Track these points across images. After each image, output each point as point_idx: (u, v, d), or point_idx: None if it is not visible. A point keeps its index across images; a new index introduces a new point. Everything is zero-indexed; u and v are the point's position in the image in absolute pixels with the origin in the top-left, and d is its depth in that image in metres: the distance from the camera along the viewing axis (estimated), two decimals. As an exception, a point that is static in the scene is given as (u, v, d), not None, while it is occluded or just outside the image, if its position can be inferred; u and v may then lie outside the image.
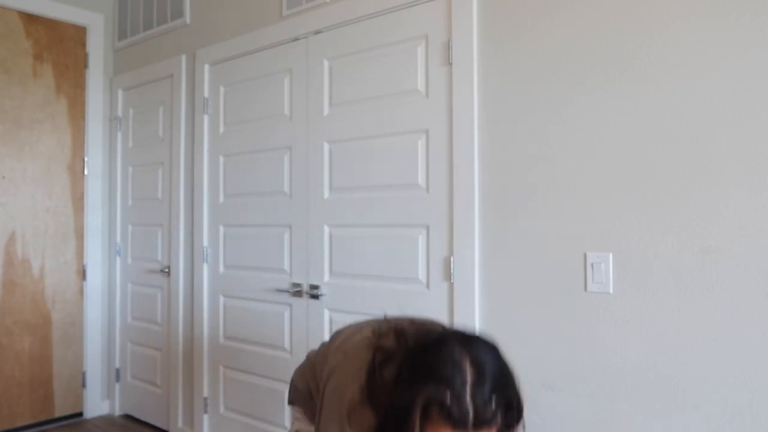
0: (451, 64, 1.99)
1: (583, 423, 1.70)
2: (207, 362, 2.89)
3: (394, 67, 2.15)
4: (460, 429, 0.95)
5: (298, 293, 2.47)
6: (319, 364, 1.37)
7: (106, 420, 3.41)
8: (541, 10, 1.80)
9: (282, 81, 2.57)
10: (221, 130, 2.86)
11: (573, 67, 1.73)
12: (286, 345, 2.53)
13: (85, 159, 3.43)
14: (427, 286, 2.04)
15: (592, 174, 1.69)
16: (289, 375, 2.52)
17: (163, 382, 3.18)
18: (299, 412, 1.51)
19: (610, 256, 1.65)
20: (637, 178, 1.61)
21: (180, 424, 3.05)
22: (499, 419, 0.99)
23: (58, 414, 3.31)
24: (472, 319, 1.92)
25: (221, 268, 2.84)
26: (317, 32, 2.43)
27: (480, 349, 1.04)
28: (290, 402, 1.54)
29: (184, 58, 3.05)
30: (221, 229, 2.85)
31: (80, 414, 3.41)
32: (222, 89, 2.85)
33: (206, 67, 2.92)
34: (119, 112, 3.48)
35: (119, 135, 3.48)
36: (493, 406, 0.98)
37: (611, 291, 1.65)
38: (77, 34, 3.41)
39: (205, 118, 2.92)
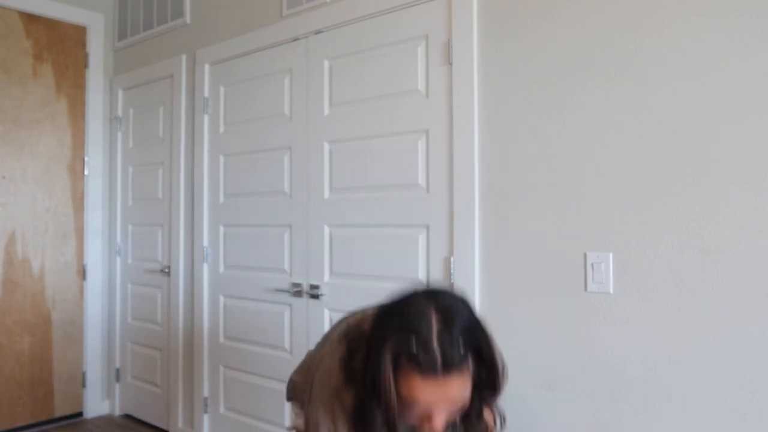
0: (451, 64, 1.99)
1: (583, 423, 1.70)
2: (207, 362, 2.89)
3: (394, 67, 2.15)
4: (429, 374, 0.94)
5: (298, 293, 2.47)
6: (317, 357, 1.36)
7: (106, 420, 3.41)
8: (541, 10, 1.80)
9: (282, 81, 2.57)
10: (221, 130, 2.86)
11: (573, 67, 1.73)
12: (286, 345, 2.53)
13: (85, 159, 3.43)
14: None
15: (592, 174, 1.69)
16: (289, 375, 2.52)
17: (163, 382, 3.18)
18: (298, 407, 1.52)
19: (610, 256, 1.65)
20: (637, 178, 1.61)
21: (180, 424, 3.05)
22: (469, 364, 0.97)
23: (58, 414, 3.31)
24: (472, 319, 1.92)
25: (221, 268, 2.84)
26: (317, 32, 2.43)
27: (447, 299, 1.01)
28: (289, 399, 1.55)
29: (184, 58, 3.05)
30: (221, 229, 2.85)
31: (80, 414, 3.41)
32: (222, 89, 2.85)
33: (206, 67, 2.92)
34: (119, 112, 3.48)
35: (119, 135, 3.48)
36: (461, 349, 0.95)
37: (611, 291, 1.65)
38: (77, 34, 3.41)
39: (205, 118, 2.92)
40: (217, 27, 2.89)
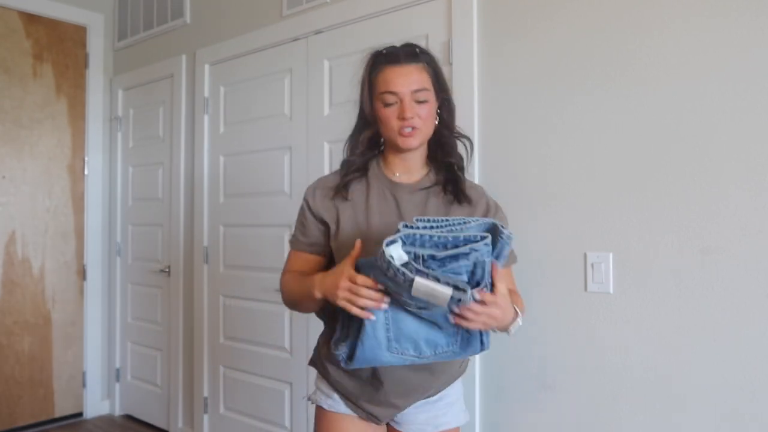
0: (451, 64, 1.99)
1: (583, 423, 1.70)
2: (207, 362, 2.89)
3: (394, 67, 2.15)
4: (394, 63, 1.24)
5: (298, 293, 2.46)
6: None
7: (106, 420, 3.41)
8: (541, 10, 1.80)
9: (282, 81, 2.57)
10: (221, 130, 2.86)
11: (573, 67, 1.73)
12: (286, 345, 2.53)
13: (85, 159, 3.43)
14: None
15: (592, 174, 1.69)
16: (289, 375, 2.52)
17: (163, 382, 3.18)
18: None
19: (610, 256, 1.65)
20: (637, 178, 1.61)
21: (180, 424, 3.05)
22: (426, 66, 1.26)
23: (58, 414, 3.31)
24: (472, 319, 1.91)
25: (221, 268, 2.84)
26: (317, 32, 2.43)
27: (408, 43, 1.31)
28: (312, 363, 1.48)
29: (184, 58, 3.05)
30: (221, 229, 2.84)
31: (80, 414, 3.40)
32: (222, 89, 2.85)
33: (206, 67, 2.92)
34: (119, 112, 3.48)
35: (119, 135, 3.48)
36: (419, 51, 1.27)
37: (611, 291, 1.65)
38: (77, 34, 3.41)
39: (205, 118, 2.92)
40: (217, 27, 2.89)
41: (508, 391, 1.85)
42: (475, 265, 1.00)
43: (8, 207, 3.15)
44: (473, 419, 1.90)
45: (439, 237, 1.01)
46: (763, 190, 1.42)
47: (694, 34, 1.53)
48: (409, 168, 1.32)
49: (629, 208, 1.62)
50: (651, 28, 1.59)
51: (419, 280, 0.97)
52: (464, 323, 1.05)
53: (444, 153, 1.32)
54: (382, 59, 1.27)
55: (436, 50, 2.04)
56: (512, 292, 1.24)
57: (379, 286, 1.06)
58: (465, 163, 1.36)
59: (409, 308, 1.08)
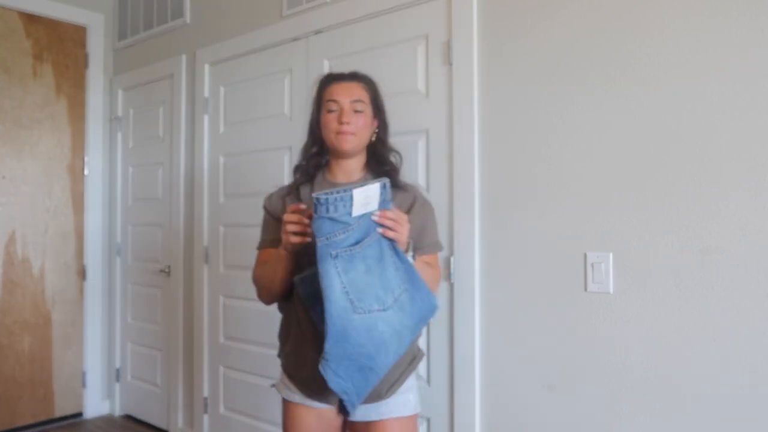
0: (451, 64, 1.99)
1: (583, 423, 1.70)
2: (207, 362, 2.89)
3: (395, 67, 2.15)
4: (339, 80, 1.49)
5: (298, 293, 2.46)
6: None
7: (106, 420, 3.41)
8: (541, 10, 1.80)
9: (282, 81, 2.57)
10: (221, 130, 2.86)
11: (573, 67, 1.73)
12: (286, 345, 2.53)
13: (85, 159, 3.43)
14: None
15: (592, 174, 1.69)
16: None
17: (163, 382, 3.18)
18: None
19: (610, 256, 1.65)
20: (637, 178, 1.61)
21: (180, 424, 3.05)
22: (368, 88, 1.50)
23: (58, 414, 3.31)
24: (472, 318, 1.92)
25: (221, 268, 2.84)
26: (317, 32, 2.43)
27: (358, 72, 1.55)
28: None
29: (184, 58, 3.05)
30: (221, 229, 2.84)
31: (80, 414, 3.41)
32: (222, 89, 2.85)
33: (206, 67, 2.92)
34: (119, 112, 3.48)
35: (119, 135, 3.48)
36: (361, 74, 1.53)
37: (611, 291, 1.65)
38: (77, 34, 3.41)
39: (205, 118, 2.92)
40: (217, 27, 2.89)
41: (508, 391, 1.85)
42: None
43: (8, 207, 3.15)
44: (473, 419, 1.90)
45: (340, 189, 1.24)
46: (763, 190, 1.42)
47: (694, 34, 1.53)
48: (349, 173, 1.53)
49: (629, 208, 1.62)
50: (651, 28, 1.59)
51: (356, 190, 1.21)
52: (388, 231, 1.27)
53: (378, 162, 1.53)
54: (330, 78, 1.53)
55: (436, 50, 2.06)
56: (429, 265, 1.50)
57: (303, 206, 1.31)
58: (398, 167, 1.57)
59: (347, 248, 1.25)
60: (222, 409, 2.83)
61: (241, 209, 2.74)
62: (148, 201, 3.29)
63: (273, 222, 1.56)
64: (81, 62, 3.43)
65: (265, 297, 1.55)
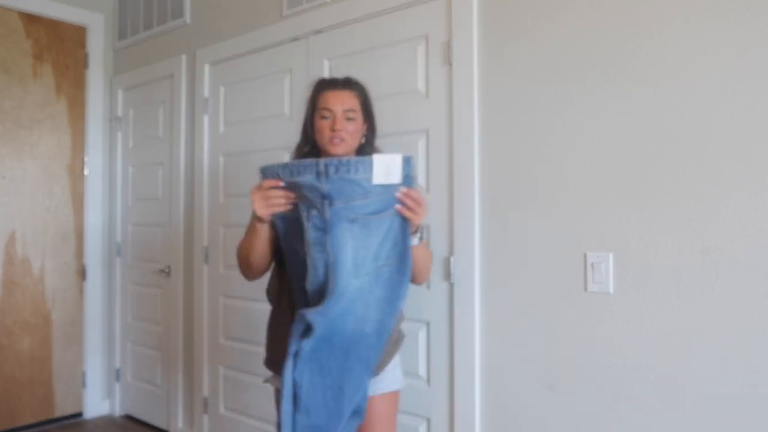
0: (451, 64, 1.99)
1: (583, 423, 1.70)
2: (207, 362, 2.89)
3: (395, 67, 2.15)
4: (332, 87, 1.58)
5: (298, 293, 2.46)
6: None
7: (106, 420, 3.41)
8: (541, 10, 1.80)
9: (282, 81, 2.57)
10: (221, 130, 2.86)
11: (573, 67, 1.73)
12: (286, 345, 2.53)
13: (85, 159, 3.43)
14: (428, 286, 2.04)
15: (592, 174, 1.69)
16: (289, 375, 2.52)
17: (163, 382, 3.18)
18: None
19: (610, 256, 1.65)
20: (637, 178, 1.61)
21: (180, 424, 3.05)
22: (358, 96, 1.59)
23: (58, 414, 3.31)
24: (472, 319, 1.92)
25: (221, 268, 2.84)
26: (317, 32, 2.43)
27: (351, 79, 1.63)
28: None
29: (184, 58, 3.05)
30: (221, 229, 2.84)
31: (80, 414, 3.41)
32: (222, 89, 2.85)
33: (206, 67, 2.92)
34: (119, 112, 3.48)
35: (119, 135, 3.48)
36: (353, 81, 1.62)
37: (611, 291, 1.65)
38: (77, 34, 3.41)
39: (205, 118, 2.92)
40: (217, 27, 2.89)
41: (508, 391, 1.85)
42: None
43: (8, 207, 3.15)
44: (473, 419, 1.90)
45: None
46: (763, 190, 1.42)
47: (694, 34, 1.53)
48: None
49: (629, 208, 1.62)
50: (651, 28, 1.59)
51: (376, 156, 1.28)
52: (406, 210, 1.35)
53: None
54: (324, 84, 1.62)
55: (436, 50, 2.06)
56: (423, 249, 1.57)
57: (282, 184, 1.39)
58: None
59: (366, 215, 1.33)
60: (222, 409, 2.83)
61: (241, 209, 2.74)
62: (148, 201, 3.29)
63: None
64: (81, 62, 3.43)
65: (247, 272, 1.68)
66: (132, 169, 3.41)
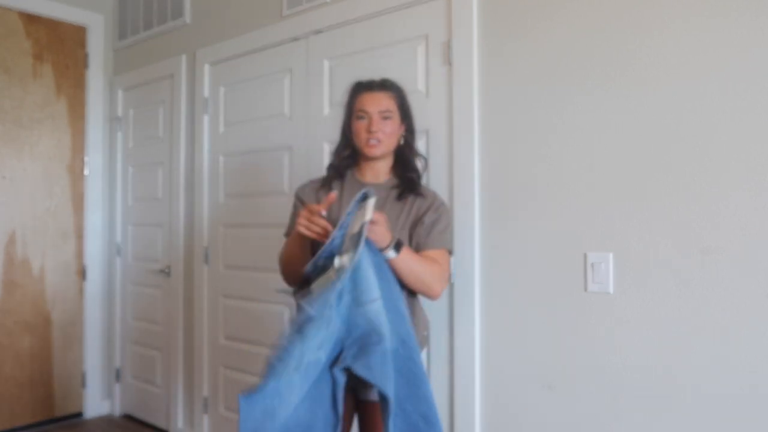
0: (451, 64, 1.99)
1: (583, 423, 1.70)
2: (207, 362, 2.89)
3: (394, 67, 2.15)
4: (370, 89, 1.61)
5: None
6: None
7: (106, 420, 3.41)
8: (541, 10, 1.80)
9: (282, 81, 2.57)
10: (221, 130, 2.86)
11: (573, 67, 1.73)
12: (286, 345, 2.52)
13: (85, 159, 3.43)
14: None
15: (592, 174, 1.69)
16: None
17: (163, 382, 3.18)
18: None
19: (610, 256, 1.65)
20: (637, 178, 1.61)
21: (180, 424, 3.05)
22: (395, 96, 1.63)
23: (58, 414, 3.31)
24: (472, 318, 1.92)
25: (221, 268, 2.84)
26: (317, 32, 2.43)
27: (387, 80, 1.68)
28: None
29: (184, 58, 3.05)
30: (221, 229, 2.84)
31: (80, 414, 3.41)
32: (222, 89, 2.85)
33: (206, 67, 2.92)
34: (119, 112, 3.48)
35: (119, 135, 3.48)
36: (389, 83, 1.64)
37: (611, 291, 1.65)
38: (77, 34, 3.41)
39: (205, 118, 2.92)
40: (217, 27, 2.89)
41: (508, 391, 1.85)
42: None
43: (8, 207, 3.15)
44: (473, 419, 1.90)
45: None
46: (763, 190, 1.42)
47: (694, 34, 1.53)
48: (377, 174, 1.68)
49: (629, 208, 1.62)
50: (651, 28, 1.59)
51: (368, 201, 1.38)
52: (372, 233, 1.39)
53: (405, 168, 1.67)
54: (360, 87, 1.65)
55: (436, 50, 2.06)
56: (430, 258, 1.58)
57: (324, 213, 1.43)
58: (421, 173, 1.72)
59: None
60: (222, 409, 2.83)
61: (241, 209, 2.74)
62: (148, 201, 3.29)
63: (302, 209, 1.65)
64: (81, 62, 3.43)
65: (286, 275, 1.69)
66: (132, 169, 3.41)
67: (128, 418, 3.42)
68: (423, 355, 1.64)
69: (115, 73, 3.53)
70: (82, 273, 3.41)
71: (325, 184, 1.69)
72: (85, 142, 3.43)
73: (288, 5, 2.54)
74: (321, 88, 2.40)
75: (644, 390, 1.59)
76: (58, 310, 3.31)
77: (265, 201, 2.63)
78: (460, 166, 1.95)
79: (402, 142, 1.65)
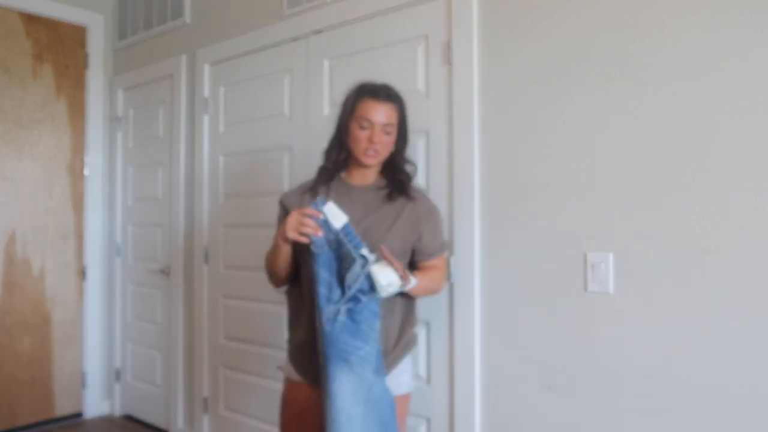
0: (451, 64, 1.99)
1: (583, 423, 1.70)
2: (207, 362, 2.89)
3: (394, 67, 2.15)
4: (376, 98, 1.58)
5: (298, 293, 2.46)
6: None
7: (106, 420, 3.41)
8: (541, 10, 1.80)
9: (282, 81, 2.57)
10: (221, 130, 2.86)
11: (573, 67, 1.73)
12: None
13: (85, 159, 3.43)
14: (427, 286, 2.04)
15: (592, 174, 1.69)
16: (289, 375, 2.52)
17: (163, 382, 3.18)
18: None
19: (610, 256, 1.65)
20: (637, 178, 1.61)
21: (180, 424, 3.05)
22: (398, 107, 1.62)
23: (58, 414, 3.31)
24: (472, 318, 1.91)
25: (221, 268, 2.84)
26: (317, 32, 2.43)
27: (387, 85, 1.65)
28: None
29: (184, 58, 3.05)
30: (221, 229, 2.84)
31: (80, 414, 3.41)
32: (222, 89, 2.85)
33: (206, 67, 2.92)
34: (119, 112, 3.48)
35: (119, 135, 3.48)
36: (395, 92, 1.64)
37: (611, 291, 1.65)
38: (77, 34, 3.41)
39: (205, 118, 2.92)
40: (217, 27, 2.89)
41: (508, 391, 1.85)
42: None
43: (8, 207, 3.15)
44: (473, 419, 1.90)
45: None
46: (763, 190, 1.42)
47: (694, 34, 1.53)
48: (365, 176, 1.67)
49: (629, 208, 1.62)
50: (651, 28, 1.59)
51: (327, 205, 1.45)
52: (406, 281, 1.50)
53: (395, 171, 1.67)
54: (367, 91, 1.60)
55: (436, 50, 2.06)
56: (434, 268, 1.67)
57: (322, 218, 1.43)
58: (412, 177, 1.71)
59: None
60: (222, 409, 2.83)
61: (241, 209, 2.74)
62: (148, 201, 3.29)
63: (286, 217, 1.66)
64: (81, 62, 3.43)
65: (271, 279, 1.69)
66: (132, 169, 3.41)
67: (128, 418, 3.42)
68: (409, 356, 1.68)
69: (115, 73, 3.53)
70: (82, 273, 3.41)
71: (312, 188, 1.67)
72: (85, 142, 3.43)
73: (288, 5, 2.54)
74: (321, 88, 2.40)
75: (644, 390, 1.59)
76: (57, 311, 3.31)
77: (265, 201, 2.63)
78: (460, 166, 1.95)
79: (394, 149, 1.65)
